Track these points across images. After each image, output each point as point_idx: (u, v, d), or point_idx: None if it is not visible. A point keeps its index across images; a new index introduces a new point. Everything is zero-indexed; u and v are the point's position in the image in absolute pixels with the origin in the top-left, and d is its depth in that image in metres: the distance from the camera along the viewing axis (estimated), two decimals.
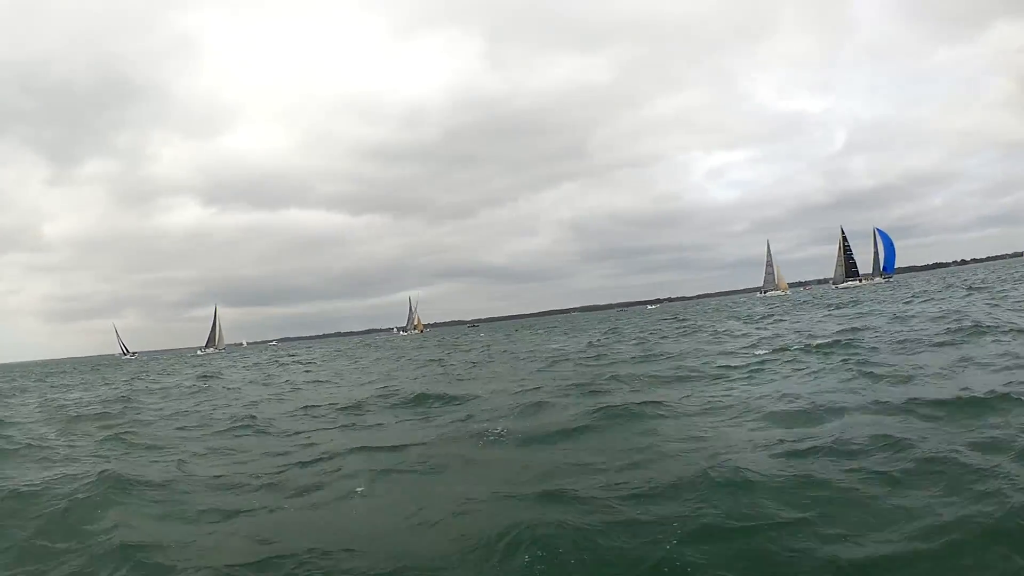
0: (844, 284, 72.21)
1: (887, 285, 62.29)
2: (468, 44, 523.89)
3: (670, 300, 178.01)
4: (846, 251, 75.04)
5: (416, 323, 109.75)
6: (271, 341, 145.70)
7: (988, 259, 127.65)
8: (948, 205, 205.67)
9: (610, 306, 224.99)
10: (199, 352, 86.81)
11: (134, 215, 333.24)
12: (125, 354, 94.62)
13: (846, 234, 75.82)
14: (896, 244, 73.30)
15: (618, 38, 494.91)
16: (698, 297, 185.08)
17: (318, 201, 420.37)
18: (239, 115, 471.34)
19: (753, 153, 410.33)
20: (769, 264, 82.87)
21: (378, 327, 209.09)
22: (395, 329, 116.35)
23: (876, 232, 74.26)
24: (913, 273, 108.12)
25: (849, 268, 75.10)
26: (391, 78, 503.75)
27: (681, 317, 42.94)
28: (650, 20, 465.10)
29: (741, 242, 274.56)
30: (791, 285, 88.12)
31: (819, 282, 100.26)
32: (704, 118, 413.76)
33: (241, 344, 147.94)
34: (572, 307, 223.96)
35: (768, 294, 79.29)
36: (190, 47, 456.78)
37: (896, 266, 75.18)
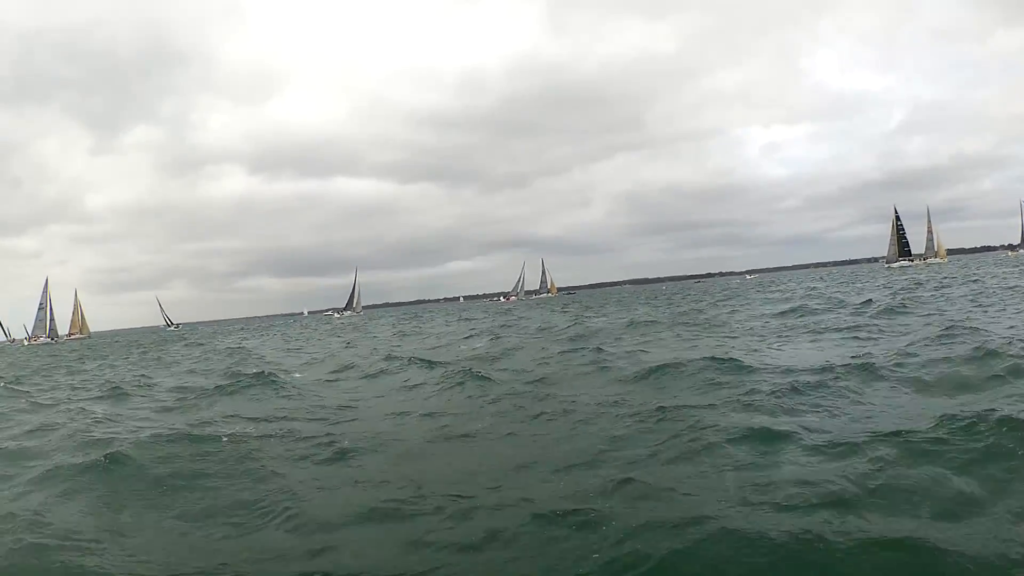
0: (897, 263, 70.91)
1: None
2: (529, 9, 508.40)
3: (722, 274, 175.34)
4: (899, 230, 73.69)
5: (550, 286, 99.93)
6: (327, 311, 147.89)
7: None
8: (998, 189, 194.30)
9: (659, 280, 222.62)
10: (336, 316, 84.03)
11: (180, 184, 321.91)
12: (169, 326, 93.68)
13: (899, 213, 74.50)
14: (944, 226, 72.29)
15: (685, 5, 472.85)
16: (746, 272, 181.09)
17: (369, 170, 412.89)
18: (288, 81, 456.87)
19: (811, 129, 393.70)
20: (929, 232, 74.16)
21: (430, 297, 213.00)
22: (501, 297, 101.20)
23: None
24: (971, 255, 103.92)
25: (902, 247, 73.74)
26: (448, 43, 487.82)
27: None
28: None
29: (792, 219, 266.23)
30: (840, 264, 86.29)
31: (869, 261, 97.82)
32: (765, 92, 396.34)
33: (302, 313, 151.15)
34: (623, 280, 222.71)
35: (928, 261, 70.76)
36: (237, 11, 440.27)
37: (946, 247, 73.82)
